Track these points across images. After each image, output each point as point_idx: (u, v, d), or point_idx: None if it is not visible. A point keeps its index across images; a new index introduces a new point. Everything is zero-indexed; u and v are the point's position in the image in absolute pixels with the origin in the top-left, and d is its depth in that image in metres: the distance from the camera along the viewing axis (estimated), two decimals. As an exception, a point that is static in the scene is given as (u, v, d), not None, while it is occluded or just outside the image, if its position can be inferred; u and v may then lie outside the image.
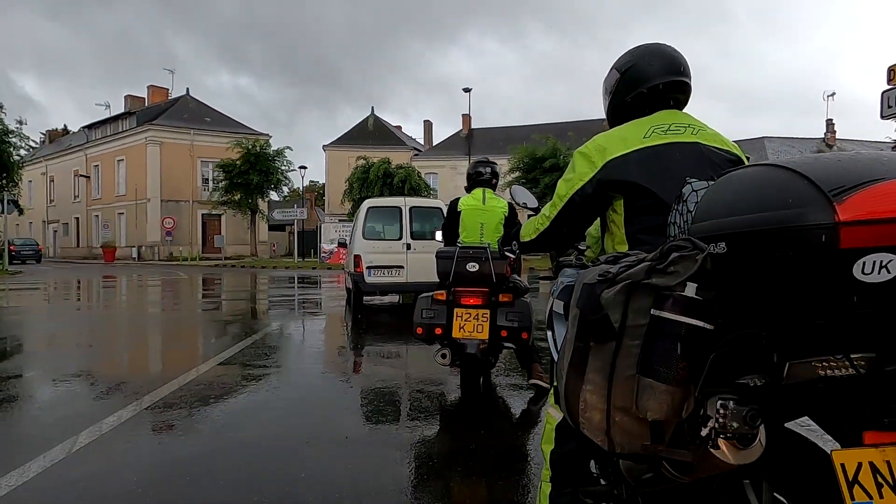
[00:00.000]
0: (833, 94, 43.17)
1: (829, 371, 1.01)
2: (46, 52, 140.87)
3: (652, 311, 1.07)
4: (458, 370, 4.18)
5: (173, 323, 8.86)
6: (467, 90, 37.67)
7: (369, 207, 9.79)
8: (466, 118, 47.33)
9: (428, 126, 53.16)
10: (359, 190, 32.42)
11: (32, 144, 61.09)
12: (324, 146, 47.88)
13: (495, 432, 3.36)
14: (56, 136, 57.73)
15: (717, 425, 1.00)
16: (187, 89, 44.16)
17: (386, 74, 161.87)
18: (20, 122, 25.28)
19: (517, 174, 30.65)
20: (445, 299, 3.90)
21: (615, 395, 1.10)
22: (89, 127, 46.08)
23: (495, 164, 4.86)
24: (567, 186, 1.71)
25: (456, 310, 3.85)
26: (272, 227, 41.63)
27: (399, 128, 55.45)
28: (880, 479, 0.95)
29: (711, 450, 1.03)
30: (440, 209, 9.20)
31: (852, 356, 0.99)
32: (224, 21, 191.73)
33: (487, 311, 3.83)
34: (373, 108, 53.23)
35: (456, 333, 3.81)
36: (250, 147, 32.85)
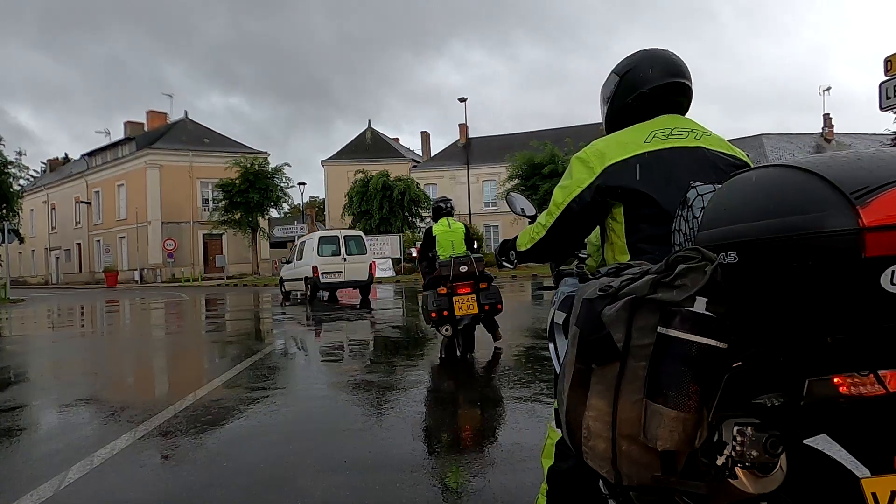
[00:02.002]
0: (829, 88, 43.12)
1: (853, 389, 0.90)
2: (38, 82, 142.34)
3: (658, 329, 0.97)
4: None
5: (172, 346, 8.76)
6: (463, 100, 37.63)
7: (320, 236, 16.89)
8: (463, 128, 47.42)
9: (425, 137, 53.27)
10: (358, 203, 32.45)
11: (33, 174, 61.85)
12: (322, 161, 48.03)
13: (504, 452, 3.24)
14: (57, 165, 58.10)
15: (734, 454, 0.91)
16: (185, 112, 44.53)
17: (376, 88, 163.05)
18: (19, 154, 25.44)
19: (516, 181, 30.59)
20: (446, 293, 5.86)
21: (621, 423, 1.00)
22: (89, 154, 46.36)
23: (451, 199, 7.00)
24: (564, 193, 1.61)
25: (454, 298, 5.85)
26: (274, 245, 41.62)
27: (397, 140, 55.60)
28: None
29: (729, 479, 0.92)
30: (361, 236, 17.48)
31: (880, 372, 0.88)
32: (212, 43, 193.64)
33: (474, 295, 5.92)
34: (370, 121, 53.28)
35: (457, 312, 5.84)
36: (248, 166, 32.90)
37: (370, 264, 16.88)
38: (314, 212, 57.78)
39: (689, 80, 1.67)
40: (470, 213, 39.89)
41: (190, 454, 3.32)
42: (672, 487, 0.99)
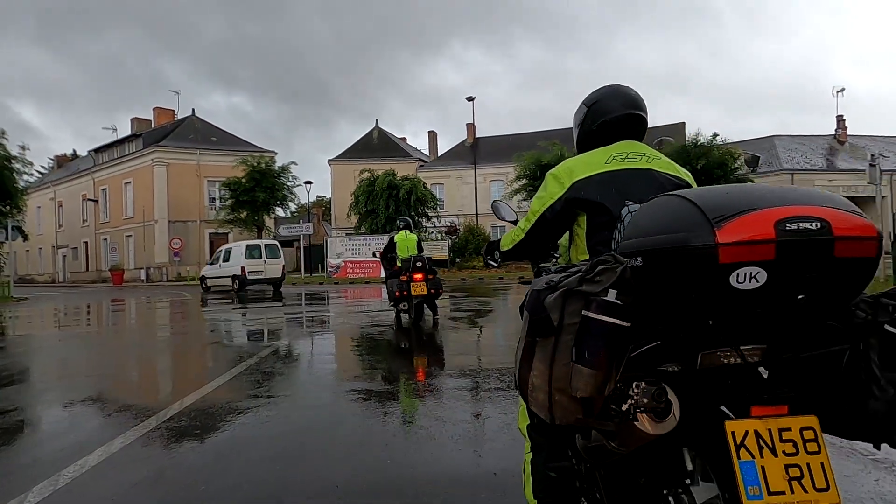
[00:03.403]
0: (843, 89, 42.51)
1: (729, 360, 1.29)
2: (41, 79, 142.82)
3: (583, 312, 1.30)
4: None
5: (167, 350, 8.50)
6: (470, 99, 37.41)
7: (247, 244, 23.49)
8: (471, 127, 47.13)
9: (432, 136, 53.04)
10: (364, 203, 32.20)
11: (40, 170, 61.88)
12: (329, 160, 47.82)
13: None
14: (64, 161, 58.22)
15: (633, 402, 1.25)
16: (193, 110, 44.36)
17: (376, 88, 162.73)
18: (23, 148, 25.22)
19: (524, 181, 30.22)
20: (406, 280, 8.85)
21: (555, 380, 1.34)
22: (96, 150, 46.34)
23: (409, 218, 11.29)
24: (540, 203, 1.95)
25: (411, 283, 8.81)
26: (280, 244, 41.47)
27: (404, 139, 55.36)
28: (761, 443, 1.21)
29: (635, 423, 1.25)
30: (277, 245, 23.89)
31: (742, 348, 1.28)
32: (212, 42, 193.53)
33: (425, 282, 8.84)
34: (377, 120, 52.98)
35: (413, 293, 8.82)
36: (255, 164, 32.69)
37: (282, 266, 23.52)
38: (321, 211, 57.66)
39: (645, 112, 2.02)
40: (477, 214, 39.51)
41: (164, 474, 3.03)
42: (590, 426, 1.36)
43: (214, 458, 3.29)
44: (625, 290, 1.28)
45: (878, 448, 1.34)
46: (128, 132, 44.62)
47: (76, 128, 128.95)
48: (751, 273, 1.13)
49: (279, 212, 36.39)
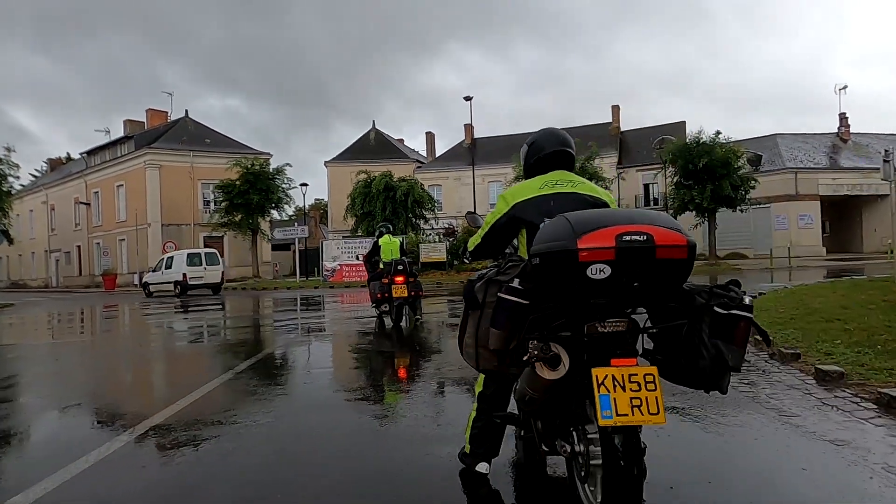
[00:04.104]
0: (845, 86, 42.09)
1: (605, 329, 2.02)
2: (38, 83, 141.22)
3: (498, 294, 2.12)
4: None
5: (145, 360, 7.87)
6: (468, 98, 36.75)
7: (188, 252, 25.84)
8: (469, 128, 46.53)
9: (430, 138, 52.48)
10: (361, 205, 31.57)
11: (34, 174, 61.15)
12: (325, 162, 47.21)
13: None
14: (57, 165, 57.47)
15: (530, 354, 1.98)
16: (186, 111, 43.68)
17: (374, 91, 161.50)
18: (8, 150, 24.41)
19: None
20: (387, 283, 9.08)
21: (479, 338, 2.22)
22: (89, 153, 45.63)
23: (389, 223, 12.34)
24: (491, 217, 2.65)
25: (393, 286, 9.03)
26: (277, 247, 40.77)
27: (401, 141, 54.75)
28: (615, 383, 1.92)
29: (536, 371, 2.03)
30: (216, 252, 26.54)
31: (608, 321, 2.02)
32: (208, 45, 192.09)
33: (406, 285, 9.05)
34: (374, 121, 52.38)
35: (394, 295, 9.04)
36: (249, 166, 32.06)
37: (222, 272, 26.33)
38: (318, 214, 56.98)
39: (573, 149, 2.72)
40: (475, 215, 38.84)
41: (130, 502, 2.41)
42: (503, 371, 2.27)
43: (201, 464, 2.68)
44: (526, 279, 2.06)
45: (708, 393, 2.04)
46: (121, 134, 43.96)
47: (73, 132, 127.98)
48: (600, 268, 1.84)
49: (276, 215, 35.69)
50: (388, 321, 9.60)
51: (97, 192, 43.91)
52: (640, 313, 2.10)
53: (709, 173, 26.28)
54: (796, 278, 17.95)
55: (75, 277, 45.95)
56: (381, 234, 10.13)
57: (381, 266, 9.57)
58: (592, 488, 2.09)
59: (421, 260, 28.10)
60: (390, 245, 9.84)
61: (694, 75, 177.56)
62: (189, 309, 16.76)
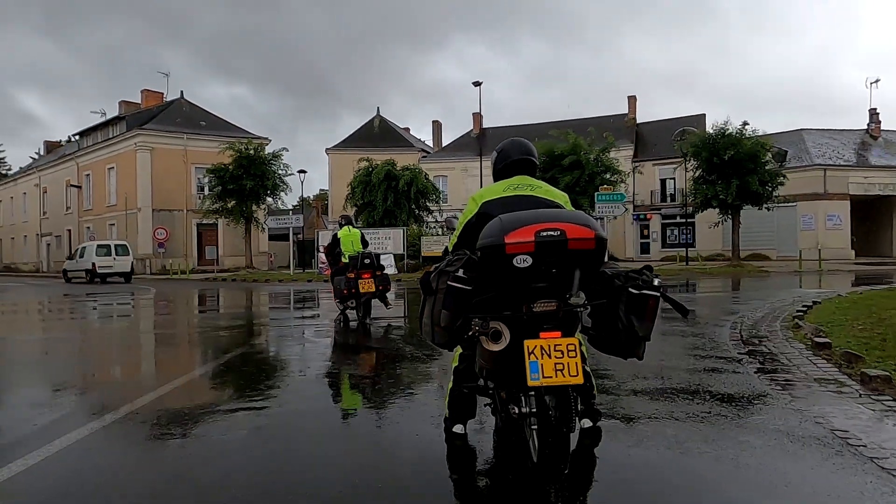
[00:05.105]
0: (877, 80, 39.83)
1: (539, 308, 2.50)
2: (44, 68, 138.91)
3: (447, 282, 2.56)
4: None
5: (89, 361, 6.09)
6: (477, 84, 34.76)
7: (97, 244, 29.33)
8: (477, 116, 44.55)
9: (437, 127, 50.44)
10: (361, 194, 29.76)
11: (34, 157, 59.54)
12: (327, 149, 45.38)
13: None
14: (54, 147, 55.90)
15: (473, 329, 2.52)
16: (181, 92, 41.81)
17: (380, 83, 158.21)
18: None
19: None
20: (353, 277, 8.82)
21: (434, 318, 2.64)
22: (81, 134, 43.93)
23: (350, 215, 13.22)
24: (464, 217, 3.07)
25: (359, 281, 8.79)
26: (275, 237, 38.91)
27: (407, 130, 52.78)
28: (542, 351, 2.45)
29: (482, 344, 2.60)
30: (126, 244, 29.99)
31: (539, 301, 2.51)
32: (212, 33, 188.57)
33: (373, 279, 8.88)
34: (378, 108, 50.27)
35: (361, 290, 8.80)
36: (243, 150, 30.21)
37: (132, 262, 29.24)
38: (320, 205, 55.15)
39: (535, 157, 3.23)
40: (482, 208, 36.94)
41: None
42: (454, 344, 2.80)
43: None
44: (469, 269, 2.55)
45: (626, 359, 2.78)
46: (116, 116, 42.18)
47: (79, 118, 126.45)
48: (523, 258, 2.40)
49: (272, 202, 33.84)
50: (351, 315, 9.26)
51: (88, 174, 42.23)
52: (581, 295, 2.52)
53: (735, 167, 24.26)
54: (831, 284, 16.09)
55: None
56: (340, 226, 10.06)
57: (346, 260, 9.34)
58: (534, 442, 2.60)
59: (423, 254, 26.34)
60: (350, 237, 9.59)
61: (698, 74, 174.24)
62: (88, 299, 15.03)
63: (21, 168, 58.58)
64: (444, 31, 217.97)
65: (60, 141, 57.88)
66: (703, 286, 17.44)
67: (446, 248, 3.21)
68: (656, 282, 2.54)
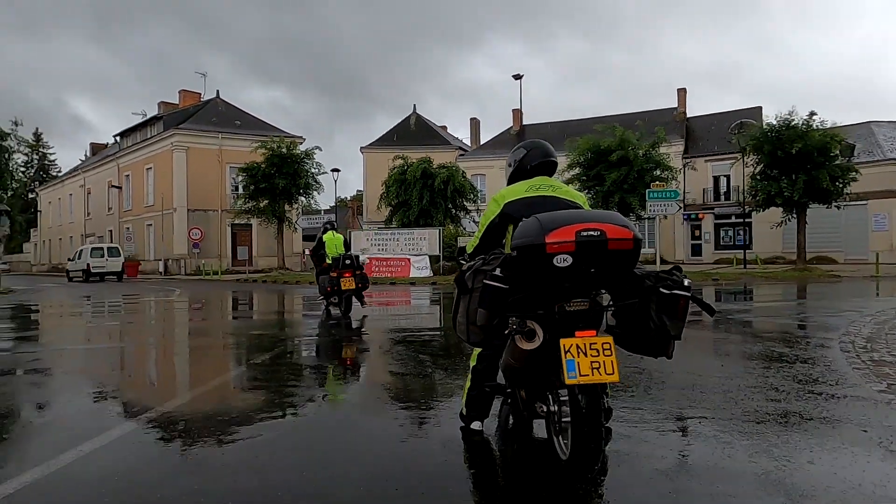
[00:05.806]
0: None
1: (571, 308, 2.55)
2: (93, 73, 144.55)
3: (483, 280, 2.58)
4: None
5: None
6: (518, 77, 33.28)
7: (92, 247, 33.98)
8: (517, 113, 42.95)
9: (475, 124, 48.95)
10: (396, 193, 28.62)
11: (82, 159, 60.84)
12: (362, 147, 44.48)
13: None
14: (99, 149, 56.94)
15: (510, 328, 2.54)
16: (217, 91, 41.64)
17: (418, 82, 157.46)
18: (15, 124, 22.42)
19: (577, 170, 25.86)
20: (336, 276, 9.91)
21: (469, 317, 2.64)
22: (121, 135, 44.34)
23: (333, 220, 14.21)
24: (485, 219, 3.12)
25: (342, 279, 9.87)
26: (308, 237, 38.13)
27: (444, 128, 51.51)
28: (579, 350, 2.44)
29: (515, 342, 2.57)
30: (118, 247, 34.70)
31: (573, 300, 2.55)
32: (252, 37, 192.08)
33: (353, 278, 9.91)
34: (414, 105, 49.13)
35: (343, 287, 9.90)
36: (275, 148, 29.47)
37: (123, 263, 32.34)
38: (356, 205, 54.42)
39: (555, 158, 3.29)
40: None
41: None
42: (488, 343, 2.80)
43: None
44: (506, 268, 2.55)
45: (656, 358, 2.73)
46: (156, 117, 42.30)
47: (123, 119, 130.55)
48: (563, 258, 2.37)
49: (304, 202, 33.04)
50: (334, 311, 10.44)
51: (128, 175, 42.52)
52: (604, 294, 2.71)
53: (801, 162, 22.03)
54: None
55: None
56: (325, 231, 11.06)
57: (329, 261, 10.35)
58: (565, 441, 2.60)
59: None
60: (334, 241, 10.81)
61: (743, 68, 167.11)
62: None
63: (69, 170, 60.00)
64: (479, 31, 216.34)
65: (106, 144, 59.00)
66: (771, 293, 15.51)
67: (462, 248, 3.39)
68: (686, 282, 2.60)
